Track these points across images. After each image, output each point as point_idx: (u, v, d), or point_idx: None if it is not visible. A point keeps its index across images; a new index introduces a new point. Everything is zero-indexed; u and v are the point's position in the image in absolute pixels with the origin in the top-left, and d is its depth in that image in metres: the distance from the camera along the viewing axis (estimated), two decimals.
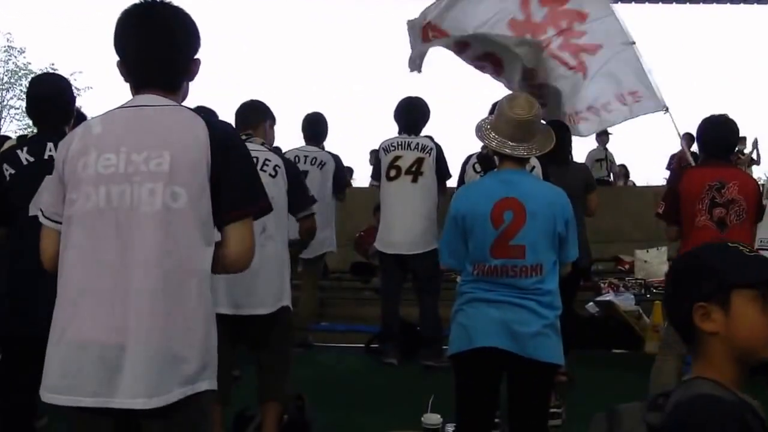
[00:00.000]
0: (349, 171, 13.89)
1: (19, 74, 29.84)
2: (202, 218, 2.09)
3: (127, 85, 2.24)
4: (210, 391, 2.13)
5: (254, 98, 4.38)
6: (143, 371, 1.99)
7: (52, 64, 27.09)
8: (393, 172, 6.06)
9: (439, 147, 6.10)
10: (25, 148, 3.28)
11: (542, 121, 3.31)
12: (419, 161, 6.00)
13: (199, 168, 2.08)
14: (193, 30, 2.24)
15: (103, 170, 2.07)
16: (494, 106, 4.53)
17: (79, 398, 2.00)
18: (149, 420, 2.03)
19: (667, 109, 6.08)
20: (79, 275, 2.05)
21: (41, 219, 2.22)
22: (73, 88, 3.65)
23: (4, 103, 30.20)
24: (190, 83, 2.32)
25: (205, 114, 2.26)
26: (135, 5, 2.19)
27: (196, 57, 2.25)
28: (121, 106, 2.19)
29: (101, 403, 1.99)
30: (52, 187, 2.21)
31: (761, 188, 4.36)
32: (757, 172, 12.93)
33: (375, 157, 6.29)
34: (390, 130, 6.28)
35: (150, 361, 2.00)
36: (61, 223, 2.15)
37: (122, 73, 2.23)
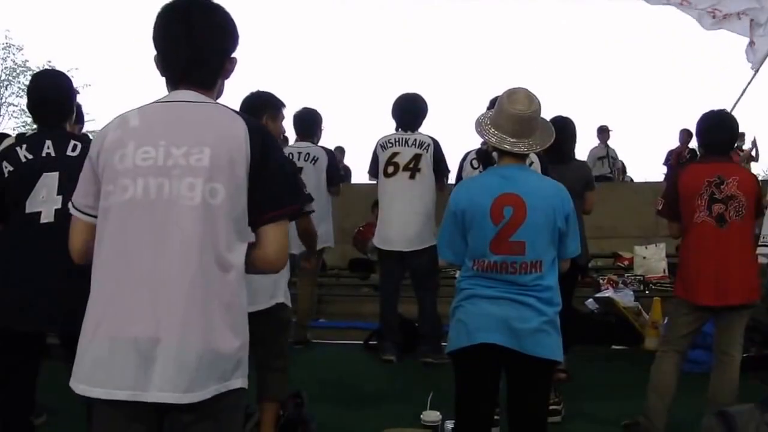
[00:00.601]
0: (346, 170, 13.90)
1: (17, 71, 29.77)
2: (238, 215, 2.08)
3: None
4: (242, 390, 2.13)
5: (259, 90, 4.33)
6: (179, 365, 1.98)
7: (49, 61, 27.11)
8: (391, 169, 6.05)
9: (437, 143, 6.08)
10: (24, 146, 3.27)
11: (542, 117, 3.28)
12: (417, 158, 5.99)
13: (238, 165, 2.07)
14: (233, 28, 2.24)
15: (141, 162, 2.05)
16: (493, 101, 4.51)
17: (113, 391, 1.98)
18: (180, 414, 2.02)
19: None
20: (115, 268, 2.03)
21: (72, 211, 2.20)
22: (73, 84, 3.63)
23: (2, 100, 30.16)
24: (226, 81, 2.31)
25: None
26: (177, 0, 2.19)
27: (233, 56, 2.25)
28: (158, 101, 2.18)
29: (135, 396, 1.98)
30: (84, 179, 2.18)
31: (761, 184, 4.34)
32: (756, 169, 12.96)
33: (372, 153, 6.26)
34: (388, 126, 6.29)
35: (186, 356, 1.99)
36: (92, 215, 2.14)
37: (159, 68, 2.21)
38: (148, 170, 2.05)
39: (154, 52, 2.20)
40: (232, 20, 2.23)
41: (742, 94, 8.73)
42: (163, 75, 2.22)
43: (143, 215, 2.03)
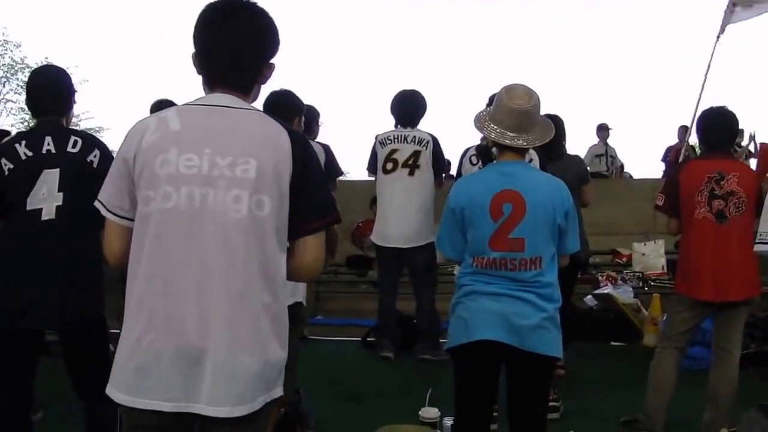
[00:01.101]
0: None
1: (15, 68, 29.70)
2: (281, 226, 2.08)
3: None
4: (281, 396, 2.14)
5: (283, 88, 4.25)
6: (229, 378, 1.97)
7: (46, 58, 27.05)
8: (390, 165, 6.04)
9: (436, 140, 6.07)
10: (23, 142, 3.24)
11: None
12: (416, 154, 5.98)
13: (283, 178, 2.06)
14: (275, 33, 2.20)
15: (185, 170, 2.01)
16: (491, 98, 4.50)
17: (157, 402, 1.96)
18: (217, 425, 2.00)
19: None
20: (159, 278, 1.99)
21: (105, 213, 2.12)
22: (72, 80, 3.61)
23: (1, 97, 30.12)
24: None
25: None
26: (222, 0, 2.15)
27: (271, 61, 2.21)
28: (196, 103, 2.14)
29: (181, 408, 1.96)
30: (116, 179, 2.10)
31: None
32: (754, 165, 12.91)
33: (371, 149, 6.25)
34: (387, 125, 6.28)
35: (236, 369, 1.98)
36: (125, 218, 2.09)
37: (196, 67, 2.17)
38: (191, 179, 2.00)
39: (193, 50, 2.16)
40: (275, 25, 2.19)
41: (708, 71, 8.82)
42: (199, 74, 2.18)
43: (187, 225, 2.00)
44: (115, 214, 2.10)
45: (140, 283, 2.01)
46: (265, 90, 4.17)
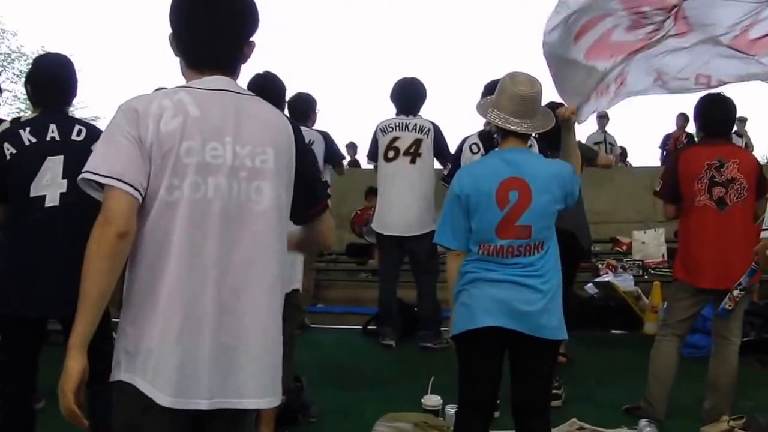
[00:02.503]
0: (353, 146, 13.86)
1: (12, 57, 29.58)
2: (288, 215, 2.12)
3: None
4: None
5: (267, 71, 4.32)
6: (261, 371, 2.00)
7: (43, 47, 26.91)
8: (391, 153, 6.04)
9: (438, 128, 6.07)
10: (27, 129, 3.23)
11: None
12: (417, 142, 5.99)
13: (291, 166, 2.09)
14: (256, 11, 2.17)
15: (211, 160, 1.97)
16: (486, 87, 4.49)
17: (196, 401, 1.94)
18: (247, 416, 2.07)
19: None
20: (194, 268, 1.94)
21: (119, 185, 1.90)
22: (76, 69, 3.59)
23: None
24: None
25: None
26: None
27: (251, 39, 2.17)
28: (202, 87, 2.05)
29: (218, 404, 1.95)
30: (132, 155, 1.92)
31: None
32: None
33: (372, 136, 6.24)
34: (387, 110, 6.26)
35: (268, 362, 2.02)
36: (141, 193, 1.93)
37: (176, 48, 2.13)
38: (218, 169, 1.97)
39: (169, 31, 2.12)
40: (254, 2, 2.17)
41: None
42: (178, 55, 2.14)
43: (218, 217, 1.97)
44: (135, 188, 1.92)
45: (171, 274, 1.93)
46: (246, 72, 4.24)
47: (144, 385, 1.93)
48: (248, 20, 2.15)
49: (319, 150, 6.29)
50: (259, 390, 2.01)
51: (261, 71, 4.27)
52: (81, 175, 1.96)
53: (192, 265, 1.94)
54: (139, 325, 1.96)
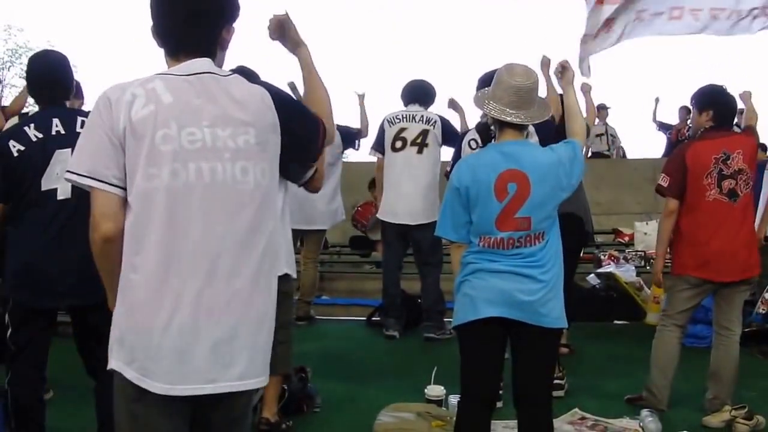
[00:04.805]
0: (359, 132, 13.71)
1: (19, 53, 29.62)
2: (276, 191, 2.14)
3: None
4: None
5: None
6: (254, 353, 2.03)
7: (49, 41, 26.99)
8: (399, 144, 6.11)
9: (445, 119, 6.17)
10: (32, 125, 3.28)
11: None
12: (424, 133, 6.07)
13: (277, 139, 2.10)
14: None
15: (188, 145, 1.96)
16: (480, 81, 4.49)
17: (197, 386, 1.96)
18: (239, 399, 2.09)
19: None
20: (179, 256, 1.94)
21: (96, 184, 1.96)
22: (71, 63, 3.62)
23: (5, 81, 30.00)
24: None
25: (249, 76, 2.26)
26: None
27: (231, 26, 2.18)
28: (177, 73, 2.06)
29: (219, 389, 1.98)
30: (102, 148, 1.96)
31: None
32: None
33: (379, 128, 6.30)
34: (377, 111, 6.38)
35: (261, 343, 2.05)
36: (120, 187, 1.97)
37: (156, 39, 2.13)
38: (197, 154, 1.97)
39: (151, 23, 2.13)
40: None
41: None
42: (161, 46, 2.14)
43: (201, 202, 1.96)
44: (111, 184, 1.96)
45: (156, 264, 1.94)
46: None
47: (131, 373, 1.96)
48: (223, 4, 2.14)
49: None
50: (251, 370, 2.02)
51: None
52: (65, 176, 2.04)
53: (179, 252, 1.95)
54: (129, 314, 1.99)
